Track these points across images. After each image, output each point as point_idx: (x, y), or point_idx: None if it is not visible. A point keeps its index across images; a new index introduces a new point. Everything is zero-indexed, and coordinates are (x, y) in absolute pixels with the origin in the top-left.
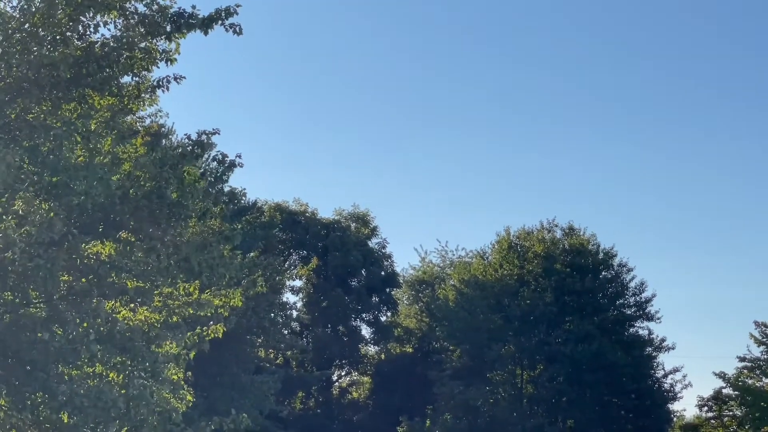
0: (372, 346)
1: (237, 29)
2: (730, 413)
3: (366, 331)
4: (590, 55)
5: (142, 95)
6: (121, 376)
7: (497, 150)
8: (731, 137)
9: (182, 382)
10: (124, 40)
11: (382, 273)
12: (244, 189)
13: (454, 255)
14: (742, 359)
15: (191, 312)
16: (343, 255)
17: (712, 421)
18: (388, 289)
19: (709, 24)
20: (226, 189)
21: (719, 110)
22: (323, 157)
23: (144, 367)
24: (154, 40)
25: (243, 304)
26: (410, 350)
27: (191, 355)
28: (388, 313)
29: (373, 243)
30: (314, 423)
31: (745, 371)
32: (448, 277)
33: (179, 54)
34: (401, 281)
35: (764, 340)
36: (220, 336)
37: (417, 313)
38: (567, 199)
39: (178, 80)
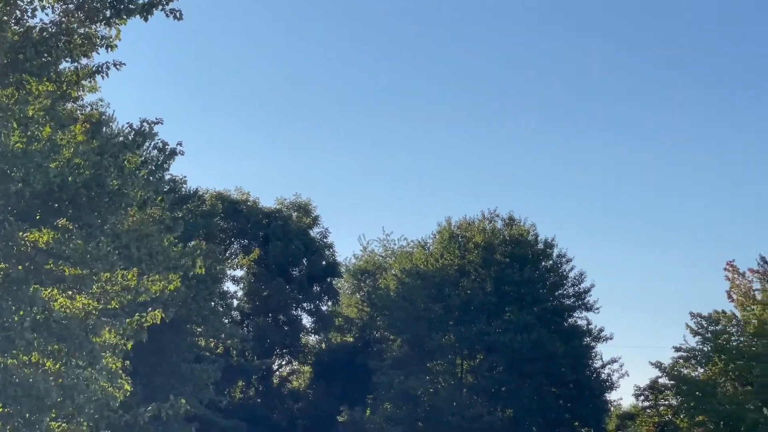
0: (313, 336)
1: (177, 14)
2: (666, 402)
3: (307, 321)
4: (532, 40)
5: (82, 82)
6: (58, 364)
7: (440, 140)
8: (669, 131)
9: (120, 371)
10: (63, 25)
11: (324, 262)
12: (185, 177)
13: (395, 245)
14: (678, 349)
15: (130, 299)
16: (285, 244)
17: (648, 410)
18: (329, 279)
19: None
20: (167, 177)
21: (659, 105)
22: (266, 145)
23: (81, 356)
24: (94, 26)
25: (183, 293)
26: (351, 340)
27: (129, 345)
28: (329, 303)
29: (314, 232)
30: (254, 412)
31: (681, 361)
32: (390, 266)
33: (120, 40)
34: (343, 271)
35: (699, 330)
36: (159, 322)
37: (358, 303)
38: (508, 190)
39: (118, 66)
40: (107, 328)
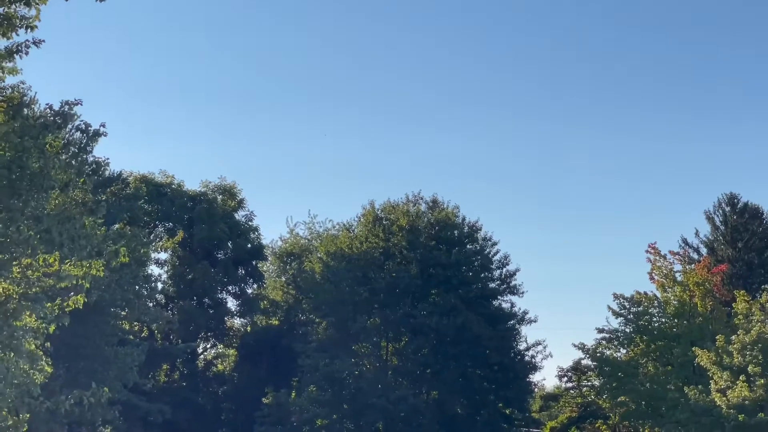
0: (238, 319)
1: None
2: (589, 383)
3: (232, 304)
4: (455, 22)
5: (1, 63)
6: None
7: (366, 124)
8: (591, 115)
9: (41, 353)
10: None
11: (249, 245)
12: (108, 159)
13: (321, 227)
14: (600, 330)
15: (51, 283)
16: (210, 227)
17: (572, 391)
18: (254, 262)
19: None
20: (90, 159)
21: (579, 89)
22: (191, 128)
23: (1, 340)
24: (14, 6)
25: (106, 277)
26: (276, 323)
27: (51, 329)
28: (255, 286)
29: (239, 215)
30: (179, 395)
31: (604, 342)
32: (315, 249)
33: (39, 21)
34: (268, 254)
35: (622, 311)
36: (81, 307)
37: (283, 286)
38: (432, 174)
39: (37, 44)
40: (28, 313)
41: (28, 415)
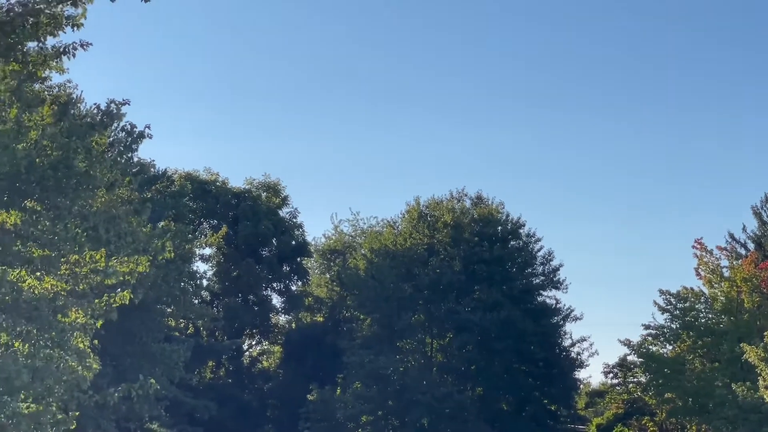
0: (282, 316)
1: None
2: (635, 380)
3: (276, 301)
4: (501, 22)
5: (49, 62)
6: (27, 345)
7: (409, 120)
8: (637, 111)
9: (89, 350)
10: (30, 5)
11: (293, 242)
12: (153, 160)
13: (365, 224)
14: (646, 327)
15: (98, 280)
16: (254, 224)
17: (617, 388)
18: (299, 259)
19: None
20: (135, 159)
21: (629, 87)
22: (235, 126)
23: (50, 336)
24: (60, 6)
25: (152, 273)
26: (321, 319)
27: (98, 324)
28: (299, 283)
29: (284, 212)
30: (225, 392)
31: (650, 338)
32: (359, 246)
33: (85, 19)
34: (312, 251)
35: (668, 307)
36: (127, 303)
37: (328, 283)
38: (476, 170)
39: (84, 47)
40: (75, 309)
41: (77, 413)
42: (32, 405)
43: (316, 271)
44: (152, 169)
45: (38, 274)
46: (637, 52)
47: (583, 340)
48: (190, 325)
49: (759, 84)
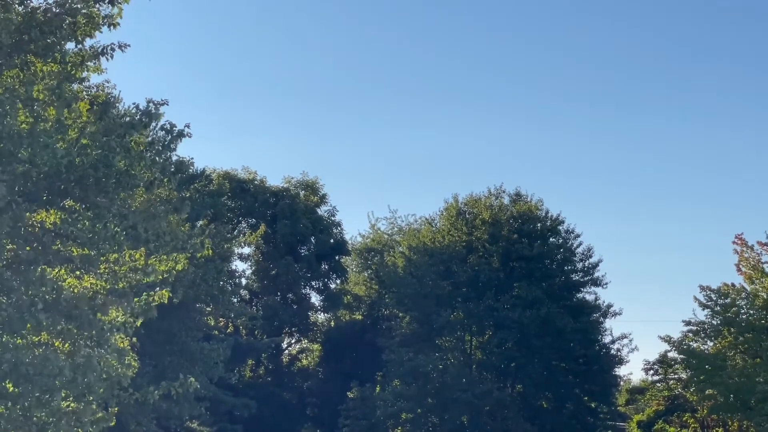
0: (321, 314)
1: None
2: (676, 376)
3: (315, 299)
4: (538, 17)
5: (86, 63)
6: (67, 344)
7: (446, 117)
8: (675, 107)
9: (128, 349)
10: (66, 5)
11: (332, 240)
12: (192, 159)
13: (403, 222)
14: (687, 323)
15: (138, 279)
16: (292, 223)
17: (658, 384)
18: (337, 257)
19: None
20: (174, 158)
21: (666, 80)
22: (273, 125)
23: (90, 335)
24: (97, 5)
25: (191, 272)
26: (359, 317)
27: (138, 323)
28: (338, 281)
29: (322, 211)
30: (264, 390)
31: (690, 335)
32: (397, 244)
33: (121, 18)
34: (350, 249)
35: (709, 303)
36: (166, 301)
37: (366, 281)
38: (514, 167)
39: (123, 48)
40: (115, 307)
41: (116, 409)
42: (72, 403)
43: (354, 269)
44: (191, 168)
45: (78, 273)
46: (672, 45)
47: (623, 336)
48: (230, 324)
49: None
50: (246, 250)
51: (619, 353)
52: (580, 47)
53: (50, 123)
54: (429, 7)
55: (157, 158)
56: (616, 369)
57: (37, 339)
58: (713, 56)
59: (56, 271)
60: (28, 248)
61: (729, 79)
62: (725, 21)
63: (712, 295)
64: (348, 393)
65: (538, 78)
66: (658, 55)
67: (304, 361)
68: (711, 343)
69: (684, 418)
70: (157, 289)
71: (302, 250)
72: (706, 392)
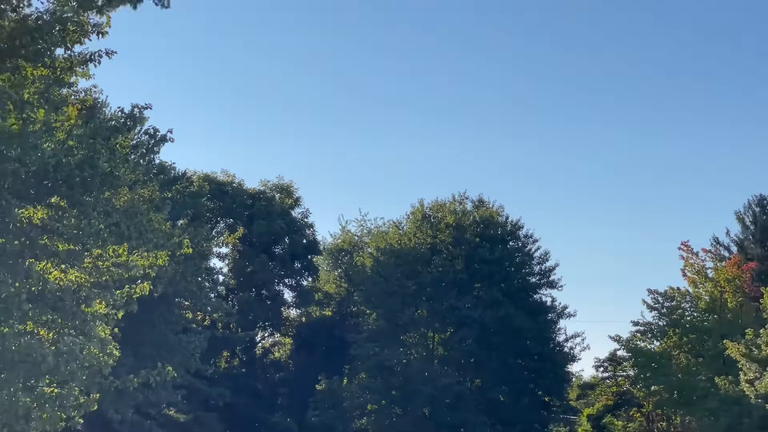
0: (294, 310)
1: (165, 2)
2: (624, 373)
3: (288, 295)
4: (500, 29)
5: (75, 68)
6: (52, 333)
7: (414, 126)
8: (627, 117)
9: (110, 339)
10: (57, 13)
11: (304, 241)
12: (174, 163)
13: (372, 224)
14: (635, 324)
15: (120, 273)
16: (268, 223)
17: (608, 381)
18: (309, 256)
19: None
20: (157, 162)
21: (619, 92)
22: (251, 130)
23: (74, 325)
24: (86, 14)
25: (171, 269)
26: (329, 313)
27: (120, 315)
28: (310, 279)
29: (296, 212)
30: (239, 381)
31: (638, 335)
32: (366, 245)
33: (110, 27)
34: (322, 249)
35: (656, 306)
36: (147, 294)
37: (336, 279)
38: (477, 174)
39: (110, 55)
40: (98, 300)
41: (98, 395)
42: (56, 389)
43: (326, 268)
44: (173, 171)
45: (63, 266)
46: (628, 60)
47: (576, 335)
48: (207, 318)
49: (750, 88)
50: (224, 249)
51: (572, 351)
52: (537, 61)
53: (39, 125)
54: (398, 20)
55: (141, 161)
56: (569, 366)
57: (22, 328)
58: (660, 70)
59: (43, 264)
60: (16, 242)
61: (677, 92)
62: (673, 36)
63: (659, 298)
64: (317, 385)
65: (501, 91)
66: (608, 69)
67: (277, 354)
68: (657, 343)
69: (631, 413)
70: (139, 282)
71: (277, 250)
72: (652, 388)
